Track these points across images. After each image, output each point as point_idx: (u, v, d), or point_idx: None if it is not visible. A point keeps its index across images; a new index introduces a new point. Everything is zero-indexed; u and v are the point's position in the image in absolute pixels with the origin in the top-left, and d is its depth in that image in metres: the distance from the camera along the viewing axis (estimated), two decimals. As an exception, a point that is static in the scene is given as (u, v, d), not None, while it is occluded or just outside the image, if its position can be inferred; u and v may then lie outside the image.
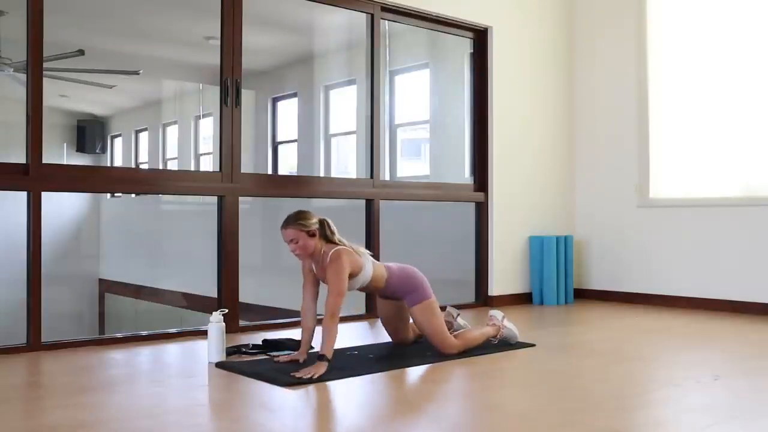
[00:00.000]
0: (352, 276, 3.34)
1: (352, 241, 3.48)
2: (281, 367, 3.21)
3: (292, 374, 3.01)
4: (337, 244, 3.36)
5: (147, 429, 2.35)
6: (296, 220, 3.31)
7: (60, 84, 6.19)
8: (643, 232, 5.74)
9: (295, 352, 3.38)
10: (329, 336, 3.12)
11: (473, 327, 3.87)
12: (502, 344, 3.77)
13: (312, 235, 3.31)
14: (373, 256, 3.58)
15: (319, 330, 3.40)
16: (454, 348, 3.53)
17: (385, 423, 2.54)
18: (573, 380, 3.21)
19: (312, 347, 3.41)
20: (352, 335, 4.12)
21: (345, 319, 3.53)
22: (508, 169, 5.70)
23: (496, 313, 3.88)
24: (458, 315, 3.95)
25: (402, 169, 6.81)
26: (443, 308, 3.78)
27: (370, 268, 3.44)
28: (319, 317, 3.41)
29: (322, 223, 3.36)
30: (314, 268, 3.42)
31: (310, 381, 2.95)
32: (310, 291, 3.44)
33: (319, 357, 3.08)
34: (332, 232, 3.38)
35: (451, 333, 3.67)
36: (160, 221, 7.52)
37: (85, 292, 7.27)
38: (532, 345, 3.81)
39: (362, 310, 4.90)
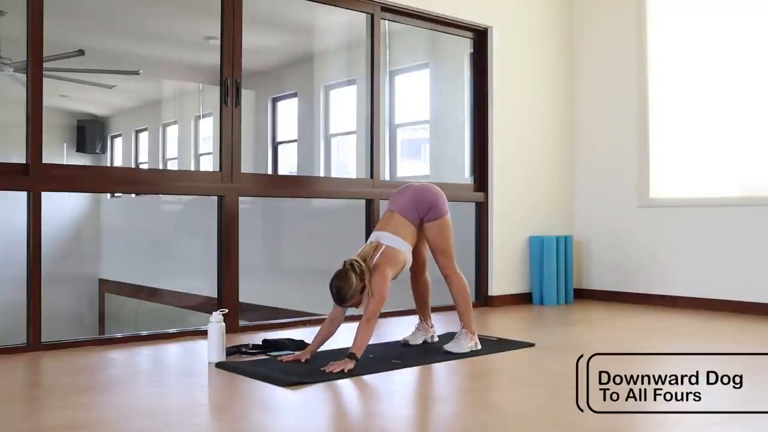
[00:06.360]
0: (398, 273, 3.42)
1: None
2: (281, 367, 3.21)
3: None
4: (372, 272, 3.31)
5: (147, 429, 2.35)
6: (347, 297, 3.24)
7: (60, 84, 6.19)
8: (643, 232, 5.74)
9: (298, 352, 3.38)
10: (364, 336, 3.18)
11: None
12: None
13: (363, 290, 3.28)
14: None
15: (332, 340, 3.41)
16: (453, 272, 3.59)
17: (384, 422, 2.54)
18: (573, 380, 3.20)
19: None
20: (350, 335, 4.11)
21: (345, 320, 3.52)
22: (508, 169, 5.70)
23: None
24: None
25: (402, 169, 6.81)
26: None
27: (407, 250, 3.46)
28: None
29: (354, 268, 3.26)
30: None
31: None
32: (340, 309, 3.39)
33: (350, 355, 3.13)
34: (362, 272, 3.27)
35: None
36: (160, 221, 7.51)
37: (85, 292, 7.27)
38: (532, 345, 3.81)
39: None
